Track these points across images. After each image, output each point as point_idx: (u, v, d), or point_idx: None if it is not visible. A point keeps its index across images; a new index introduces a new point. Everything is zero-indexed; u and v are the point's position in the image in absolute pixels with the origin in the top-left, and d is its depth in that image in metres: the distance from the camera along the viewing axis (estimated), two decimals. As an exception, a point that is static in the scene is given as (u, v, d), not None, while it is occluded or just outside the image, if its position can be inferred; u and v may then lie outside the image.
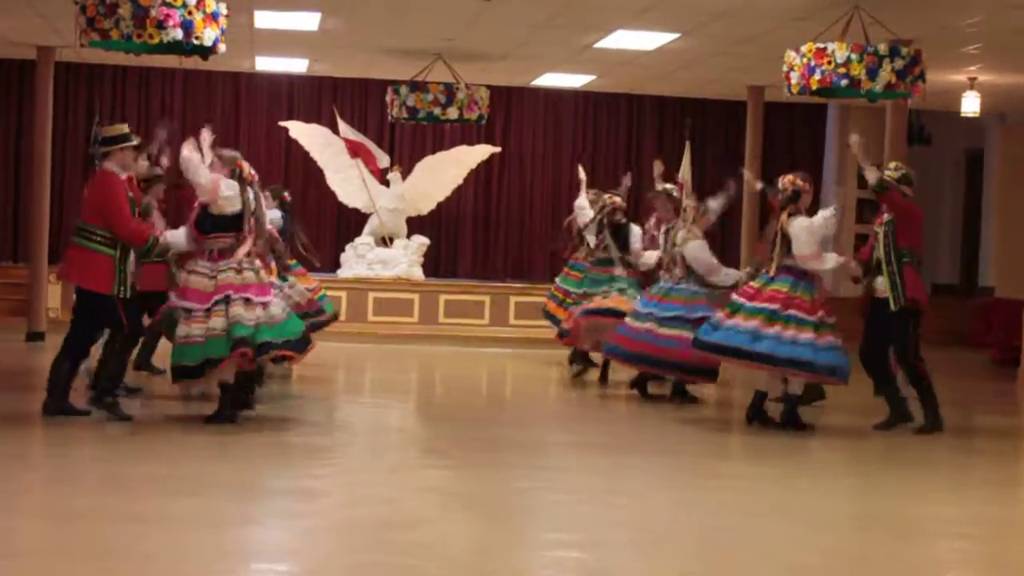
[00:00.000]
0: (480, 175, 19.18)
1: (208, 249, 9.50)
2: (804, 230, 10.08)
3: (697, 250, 11.45)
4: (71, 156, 18.44)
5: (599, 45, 14.67)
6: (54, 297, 16.60)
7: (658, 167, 12.99)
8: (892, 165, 10.89)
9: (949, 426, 10.51)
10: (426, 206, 18.52)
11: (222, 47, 9.82)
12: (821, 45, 10.83)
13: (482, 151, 18.68)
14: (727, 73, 16.25)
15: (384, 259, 17.86)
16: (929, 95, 12.23)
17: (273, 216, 11.37)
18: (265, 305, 9.44)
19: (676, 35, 13.86)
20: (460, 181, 18.63)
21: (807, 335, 9.89)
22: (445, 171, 18.49)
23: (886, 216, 10.38)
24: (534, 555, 6.37)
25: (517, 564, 6.14)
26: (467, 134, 19.04)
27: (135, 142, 9.62)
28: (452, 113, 15.06)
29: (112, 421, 9.35)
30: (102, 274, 9.32)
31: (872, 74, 10.71)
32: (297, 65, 17.66)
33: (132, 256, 9.48)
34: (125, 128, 9.67)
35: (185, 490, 7.25)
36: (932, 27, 12.53)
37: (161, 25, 9.32)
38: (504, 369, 15.14)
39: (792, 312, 9.95)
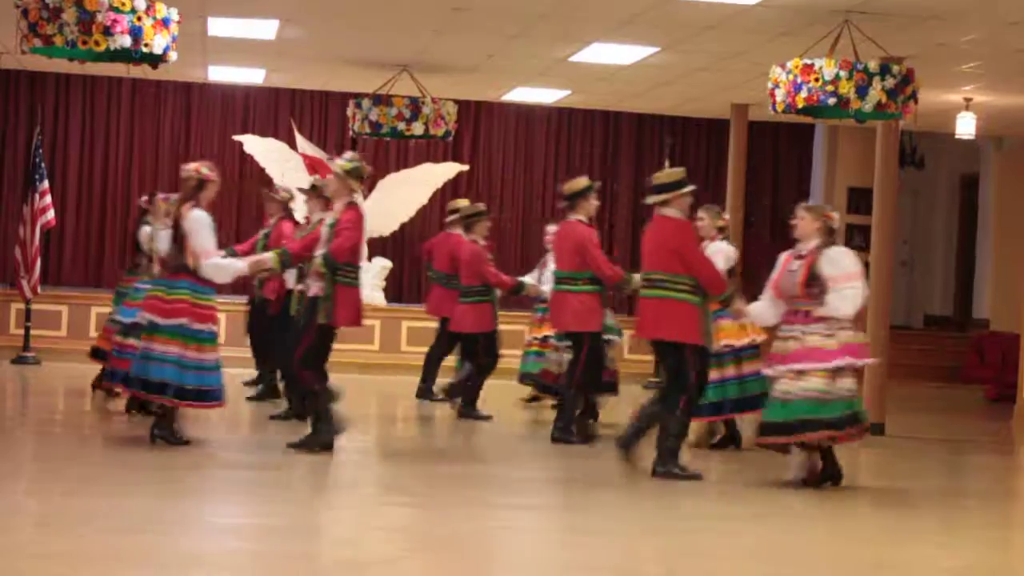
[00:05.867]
0: (446, 194, 19.16)
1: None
2: (196, 222, 9.84)
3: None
4: (9, 171, 18.36)
5: (574, 59, 14.73)
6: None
7: None
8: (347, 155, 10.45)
9: (941, 467, 10.54)
10: (388, 227, 18.51)
11: (173, 55, 9.82)
12: (808, 61, 10.89)
13: (448, 169, 18.70)
14: (709, 90, 16.33)
15: (343, 283, 17.81)
16: (922, 116, 12.31)
17: None
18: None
19: (656, 49, 13.93)
20: (425, 201, 18.63)
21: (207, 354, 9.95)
22: (409, 190, 18.49)
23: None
24: (500, 599, 6.36)
25: (482, 609, 6.13)
26: (433, 151, 19.05)
27: (692, 187, 9.73)
28: (417, 128, 15.07)
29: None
30: (694, 324, 9.40)
31: (862, 93, 10.77)
32: (253, 75, 17.65)
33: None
34: (683, 172, 9.84)
35: (125, 527, 7.20)
36: (926, 44, 12.62)
37: (108, 31, 9.31)
38: (470, 401, 15.10)
39: (196, 325, 9.89)
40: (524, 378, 13.46)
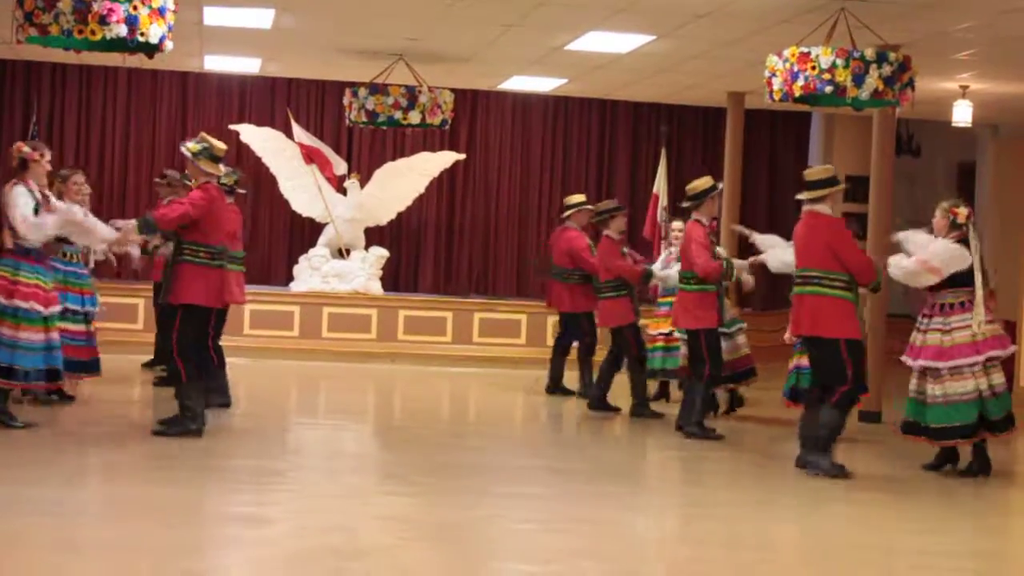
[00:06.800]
0: (443, 184, 19.18)
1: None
2: (13, 196, 10.01)
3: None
4: (5, 161, 18.33)
5: (570, 47, 14.71)
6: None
7: None
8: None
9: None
10: (385, 216, 18.51)
11: (169, 45, 9.79)
12: (805, 49, 10.88)
13: (445, 158, 18.68)
14: (706, 78, 16.32)
15: (340, 272, 17.84)
16: (919, 104, 12.31)
17: None
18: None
19: (652, 37, 13.92)
20: (422, 190, 18.62)
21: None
22: (406, 179, 18.48)
23: None
24: (497, 587, 6.37)
25: (479, 596, 6.14)
26: (430, 140, 19.04)
27: (843, 185, 9.94)
28: (414, 117, 15.04)
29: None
30: (849, 319, 9.56)
31: (858, 81, 10.76)
32: (249, 65, 17.63)
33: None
34: (833, 169, 10.05)
35: (123, 515, 7.21)
36: (922, 32, 12.62)
37: (104, 20, 9.28)
38: (467, 390, 15.14)
39: (21, 304, 9.94)
40: (656, 374, 13.46)
